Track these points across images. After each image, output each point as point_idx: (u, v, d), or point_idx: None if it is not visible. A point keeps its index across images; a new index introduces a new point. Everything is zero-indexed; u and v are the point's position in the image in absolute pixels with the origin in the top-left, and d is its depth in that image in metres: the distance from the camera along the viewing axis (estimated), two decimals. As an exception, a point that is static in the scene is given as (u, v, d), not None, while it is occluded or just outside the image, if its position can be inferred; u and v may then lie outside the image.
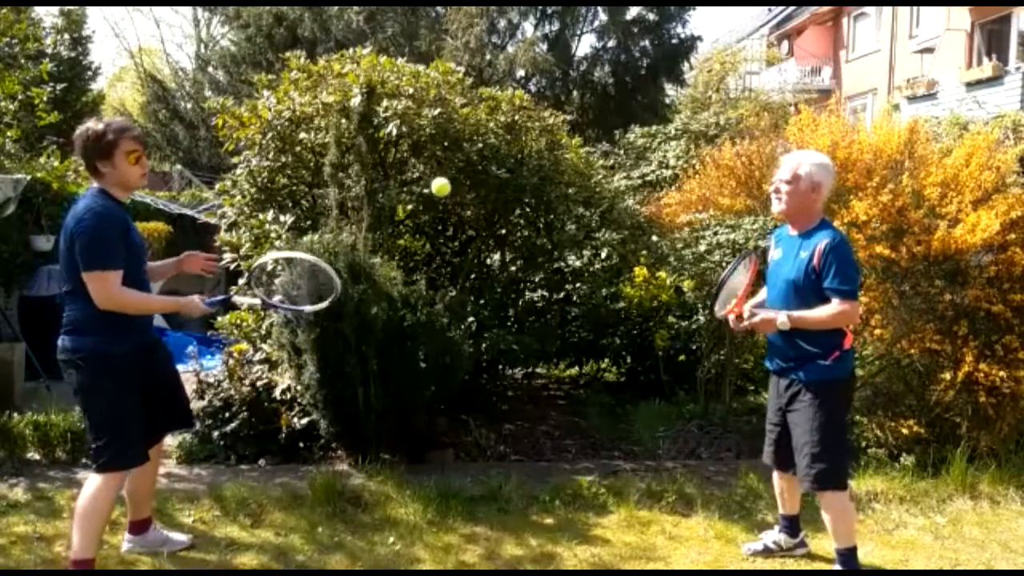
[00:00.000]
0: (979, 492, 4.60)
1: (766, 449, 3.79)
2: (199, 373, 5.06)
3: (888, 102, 18.86)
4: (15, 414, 4.88)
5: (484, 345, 5.24)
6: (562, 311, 6.35)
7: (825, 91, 22.26)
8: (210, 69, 20.80)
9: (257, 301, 3.94)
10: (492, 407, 5.71)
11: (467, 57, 15.78)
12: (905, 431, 4.78)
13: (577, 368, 6.99)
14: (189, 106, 19.59)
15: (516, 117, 5.53)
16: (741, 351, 5.90)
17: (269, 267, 4.66)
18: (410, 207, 5.39)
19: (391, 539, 3.94)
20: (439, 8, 17.95)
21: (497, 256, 5.95)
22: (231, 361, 5.00)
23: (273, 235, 5.12)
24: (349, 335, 4.37)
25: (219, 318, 5.31)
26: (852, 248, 3.68)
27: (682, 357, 6.15)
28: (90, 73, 20.98)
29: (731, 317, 3.63)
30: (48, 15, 18.53)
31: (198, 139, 18.53)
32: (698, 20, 77.64)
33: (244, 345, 5.12)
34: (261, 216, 5.25)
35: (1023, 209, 4.79)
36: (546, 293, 6.34)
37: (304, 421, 4.74)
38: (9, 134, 6.70)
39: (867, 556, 3.82)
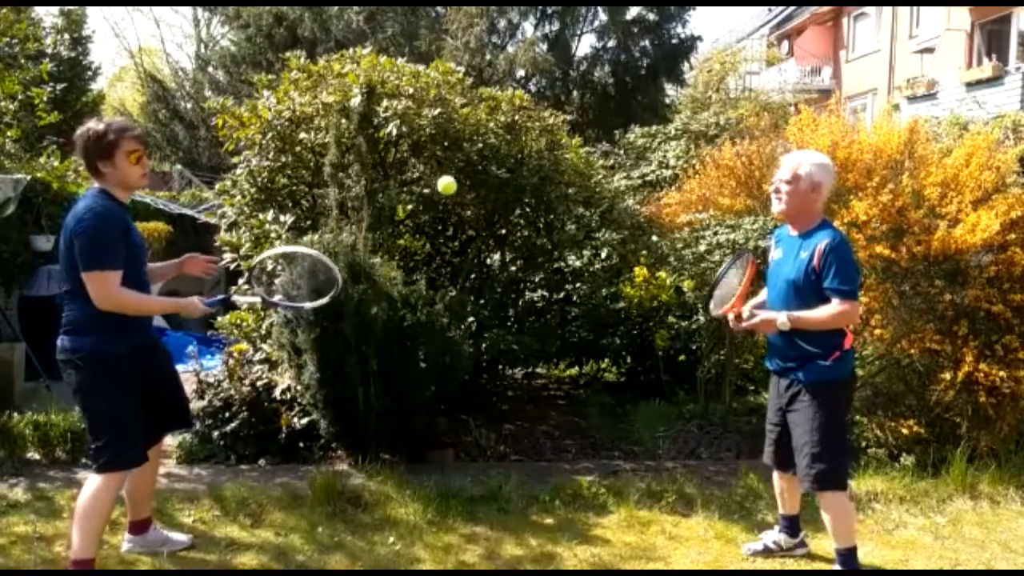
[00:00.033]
0: (979, 492, 4.60)
1: (766, 449, 3.79)
2: (199, 373, 5.07)
3: (888, 102, 18.86)
4: (15, 414, 4.88)
5: (484, 345, 5.25)
6: (562, 311, 6.35)
7: (825, 91, 22.26)
8: (210, 69, 20.80)
9: (257, 299, 3.94)
10: (492, 407, 5.71)
11: (467, 57, 15.78)
12: (905, 431, 4.78)
13: (577, 368, 6.98)
14: (189, 106, 19.59)
15: (516, 117, 5.53)
16: (741, 351, 5.90)
17: (269, 267, 4.66)
18: (410, 207, 5.39)
19: (391, 539, 3.94)
20: (439, 8, 17.95)
21: (497, 256, 5.95)
22: (231, 361, 5.00)
23: (273, 235, 5.13)
24: (349, 335, 4.37)
25: (219, 318, 5.31)
26: (852, 248, 3.68)
27: (682, 357, 6.15)
28: (90, 73, 20.98)
29: (731, 317, 3.63)
30: (48, 15, 18.57)
31: (198, 139, 18.53)
32: (698, 20, 77.73)
33: (244, 345, 5.12)
34: (261, 216, 5.25)
35: (1023, 209, 4.79)
36: (546, 293, 6.34)
37: (304, 421, 4.74)
38: (9, 134, 6.70)
39: (867, 556, 3.82)
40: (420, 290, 4.62)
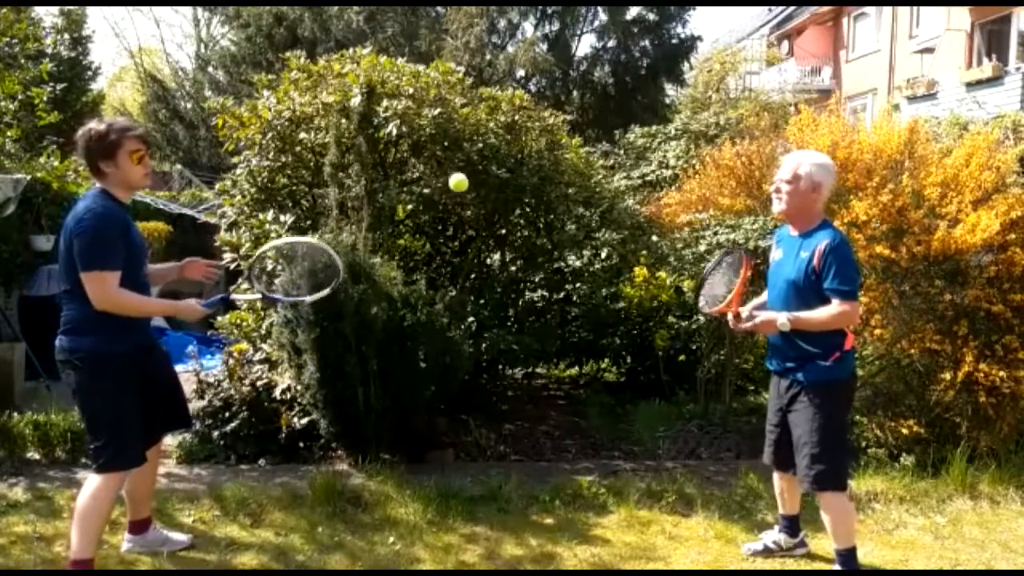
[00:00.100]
0: (979, 492, 4.60)
1: (766, 449, 3.79)
2: (199, 373, 5.07)
3: (888, 102, 18.87)
4: (15, 414, 4.88)
5: (484, 345, 5.25)
6: (562, 311, 6.35)
7: (825, 91, 22.27)
8: (210, 69, 20.80)
9: (257, 296, 3.94)
10: (492, 407, 5.71)
11: (467, 57, 15.79)
12: (905, 431, 4.78)
13: (577, 368, 6.98)
14: (189, 106, 19.60)
15: (516, 117, 5.53)
16: (741, 351, 5.90)
17: (269, 267, 4.66)
18: (410, 207, 5.39)
19: (391, 539, 3.94)
20: (439, 8, 17.96)
21: (497, 256, 5.95)
22: (231, 361, 5.00)
23: (273, 235, 5.12)
24: (349, 335, 4.37)
25: (219, 318, 5.31)
26: (852, 248, 3.68)
27: (682, 357, 6.15)
28: (90, 73, 21.00)
29: (730, 317, 3.63)
30: (48, 15, 18.58)
31: (198, 139, 18.54)
32: (698, 20, 77.77)
33: (244, 345, 5.12)
34: (261, 216, 5.25)
35: (1023, 209, 4.80)
36: (546, 293, 6.34)
37: (304, 421, 4.74)
38: (9, 134, 6.71)
39: (867, 556, 3.82)
40: (420, 290, 4.62)
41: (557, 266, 6.18)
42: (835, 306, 3.38)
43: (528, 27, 17.66)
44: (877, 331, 4.86)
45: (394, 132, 4.96)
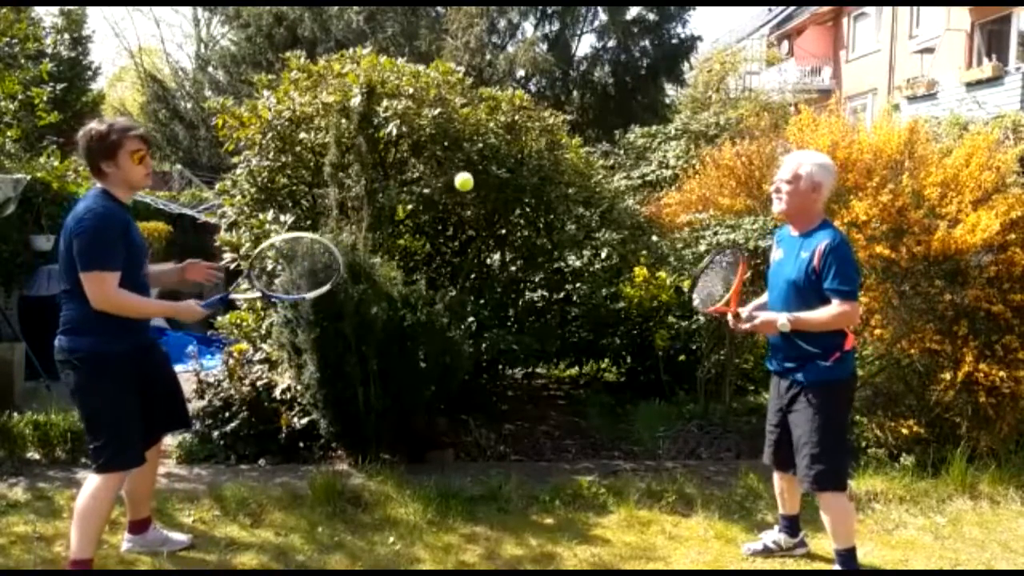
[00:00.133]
0: (979, 492, 4.60)
1: (766, 450, 3.79)
2: (199, 373, 5.07)
3: (888, 102, 18.88)
4: (15, 414, 4.88)
5: (484, 345, 5.25)
6: (562, 311, 6.35)
7: (825, 91, 22.28)
8: (210, 69, 20.80)
9: (257, 295, 3.94)
10: (492, 407, 5.71)
11: (467, 57, 15.79)
12: (905, 431, 4.78)
13: (577, 368, 6.98)
14: (189, 106, 19.60)
15: (516, 117, 5.53)
16: (741, 351, 5.90)
17: (269, 267, 4.67)
18: (410, 207, 5.39)
19: (391, 539, 3.94)
20: (439, 8, 17.96)
21: (497, 256, 5.95)
22: (231, 361, 5.00)
23: (273, 235, 5.12)
24: (349, 335, 4.37)
25: (219, 318, 5.31)
26: (852, 248, 3.68)
27: (682, 357, 6.15)
28: (90, 73, 21.01)
29: (730, 318, 3.63)
30: (48, 15, 18.57)
31: (198, 139, 18.54)
32: (698, 20, 77.81)
33: (244, 345, 5.12)
34: (261, 216, 5.25)
35: (1023, 209, 4.80)
36: (546, 293, 6.34)
37: (304, 421, 4.74)
38: (9, 134, 6.71)
39: (867, 556, 3.82)
40: (420, 290, 4.62)
41: (557, 266, 6.18)
42: (835, 306, 3.38)
43: (528, 27, 17.69)
44: (877, 331, 4.86)
45: (394, 132, 4.96)
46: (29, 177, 6.48)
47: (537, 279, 6.20)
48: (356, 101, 4.94)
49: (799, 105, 7.41)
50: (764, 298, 3.79)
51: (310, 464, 4.70)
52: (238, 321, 5.25)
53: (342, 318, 4.35)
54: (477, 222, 5.67)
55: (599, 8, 17.25)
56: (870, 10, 24.61)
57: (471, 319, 5.14)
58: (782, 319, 3.42)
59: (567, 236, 5.85)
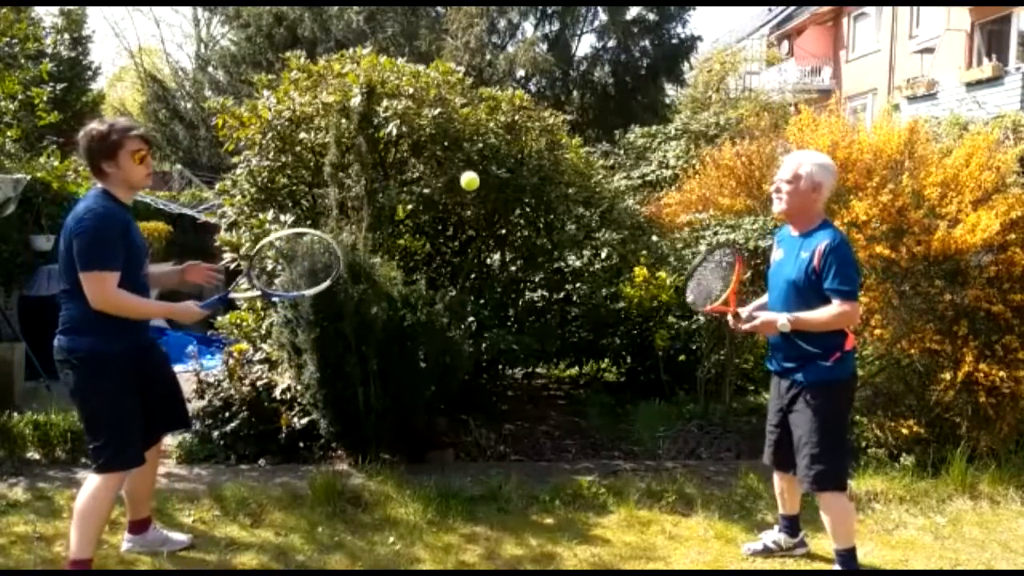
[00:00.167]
0: (979, 492, 4.60)
1: (766, 450, 3.79)
2: (199, 373, 5.06)
3: (888, 102, 18.87)
4: (15, 414, 4.88)
5: (484, 345, 5.24)
6: (562, 311, 6.35)
7: (825, 91, 22.28)
8: (210, 69, 20.80)
9: (256, 294, 3.94)
10: (492, 407, 5.71)
11: (467, 57, 15.78)
12: (905, 431, 4.78)
13: (577, 368, 6.98)
14: (189, 106, 19.59)
15: (516, 117, 5.53)
16: (741, 351, 5.90)
17: (269, 267, 4.66)
18: (410, 207, 5.39)
19: (391, 539, 3.94)
20: (439, 8, 17.95)
21: (497, 256, 5.95)
22: (231, 361, 5.00)
23: (273, 235, 5.12)
24: (349, 335, 4.37)
25: (219, 318, 5.31)
26: (852, 248, 3.68)
27: (682, 357, 6.15)
28: (90, 73, 21.03)
29: (730, 318, 3.64)
30: (48, 15, 18.58)
31: (198, 139, 18.53)
32: (698, 20, 77.84)
33: (244, 345, 5.12)
34: (261, 216, 5.25)
35: (1023, 209, 4.80)
36: (546, 293, 6.34)
37: (304, 421, 4.74)
38: (9, 134, 6.71)
39: (867, 556, 3.82)
40: (420, 290, 4.62)
41: (557, 266, 6.18)
42: (835, 306, 3.38)
43: (528, 27, 17.68)
44: (877, 331, 4.86)
45: (394, 132, 4.96)
46: (29, 177, 6.48)
47: (537, 279, 6.20)
48: (356, 101, 4.94)
49: (799, 105, 7.41)
50: (764, 298, 3.79)
51: (310, 464, 4.70)
52: (238, 321, 5.25)
53: (342, 318, 4.35)
54: (477, 222, 5.67)
55: (599, 8, 17.25)
56: (870, 10, 24.61)
57: (471, 319, 5.14)
58: (782, 319, 3.42)
59: (567, 236, 5.85)
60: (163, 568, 3.61)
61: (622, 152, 9.85)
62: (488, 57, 16.35)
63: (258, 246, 4.05)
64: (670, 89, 19.04)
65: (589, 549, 3.90)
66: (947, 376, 4.73)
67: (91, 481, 3.38)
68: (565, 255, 6.13)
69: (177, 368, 3.93)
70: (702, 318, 5.57)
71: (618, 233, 6.13)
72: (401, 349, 4.48)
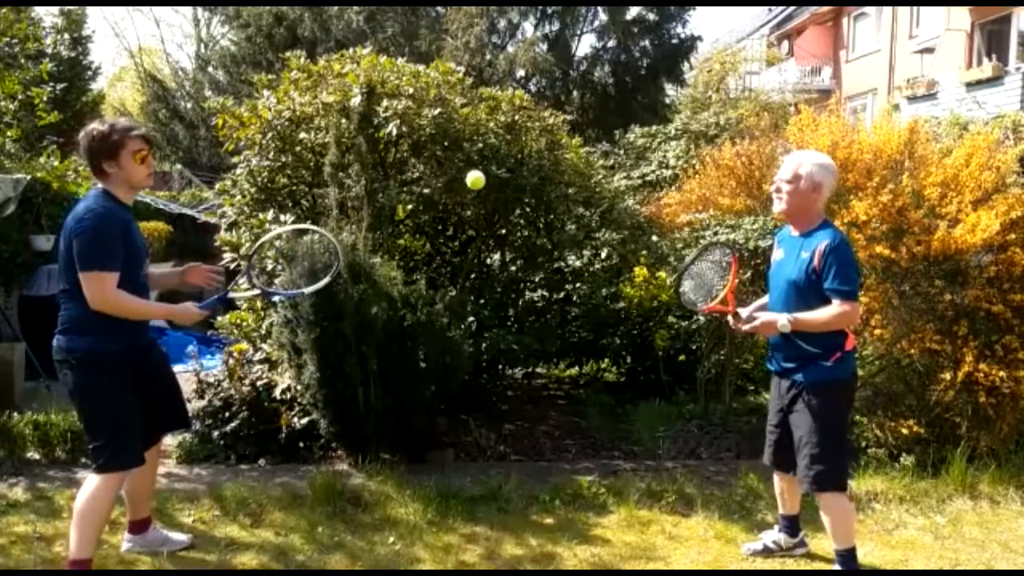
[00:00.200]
0: (979, 492, 4.60)
1: (766, 450, 3.79)
2: (199, 373, 5.06)
3: (888, 102, 18.87)
4: (15, 414, 4.88)
5: (484, 345, 5.25)
6: (562, 311, 6.35)
7: (825, 91, 22.29)
8: (210, 69, 20.80)
9: (256, 293, 3.94)
10: (492, 407, 5.71)
11: (467, 57, 15.79)
12: (905, 431, 4.78)
13: (577, 368, 6.98)
14: (189, 106, 19.59)
15: (516, 117, 5.53)
16: (741, 351, 5.90)
17: (268, 267, 4.66)
18: (410, 207, 5.39)
19: (391, 539, 3.94)
20: (439, 8, 17.96)
21: (497, 256, 5.95)
22: (231, 361, 5.00)
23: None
24: (349, 335, 4.37)
25: (219, 318, 5.31)
26: (852, 248, 3.68)
27: (682, 357, 6.15)
28: (90, 73, 21.04)
29: (730, 318, 3.64)
30: (48, 15, 18.58)
31: (198, 139, 18.53)
32: (698, 20, 77.85)
33: (244, 345, 5.12)
34: (261, 216, 5.25)
35: (1023, 209, 4.80)
36: (546, 293, 6.34)
37: (304, 421, 4.74)
38: (9, 134, 6.71)
39: (867, 556, 3.82)
40: (420, 290, 4.62)
41: (557, 266, 6.18)
42: (835, 306, 3.38)
43: (528, 27, 17.69)
44: (877, 331, 4.86)
45: (394, 132, 4.96)
46: (29, 177, 6.48)
47: (537, 279, 6.20)
48: (356, 101, 4.94)
49: (799, 105, 7.42)
50: (765, 299, 3.79)
51: (310, 464, 4.70)
52: (238, 321, 5.25)
53: (342, 318, 4.35)
54: (477, 222, 5.67)
55: (599, 8, 17.26)
56: (870, 10, 24.61)
57: (471, 319, 5.14)
58: (782, 320, 3.42)
59: (567, 236, 5.85)
60: (163, 568, 3.61)
61: (622, 152, 9.86)
62: (488, 57, 16.36)
63: (258, 243, 4.05)
64: (670, 89, 19.05)
65: (589, 549, 3.90)
66: (947, 376, 4.73)
67: (91, 481, 3.38)
68: (565, 255, 6.13)
69: (177, 368, 3.93)
70: (702, 318, 5.57)
71: (618, 233, 6.13)
72: (401, 349, 4.48)
